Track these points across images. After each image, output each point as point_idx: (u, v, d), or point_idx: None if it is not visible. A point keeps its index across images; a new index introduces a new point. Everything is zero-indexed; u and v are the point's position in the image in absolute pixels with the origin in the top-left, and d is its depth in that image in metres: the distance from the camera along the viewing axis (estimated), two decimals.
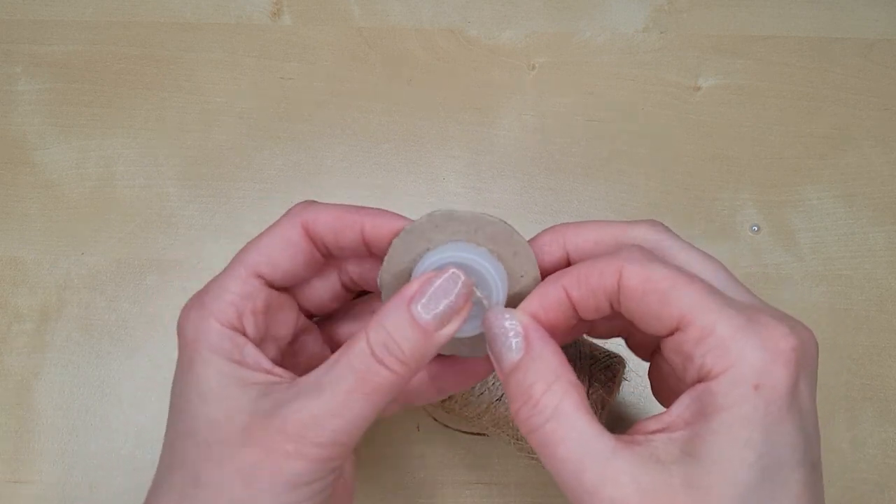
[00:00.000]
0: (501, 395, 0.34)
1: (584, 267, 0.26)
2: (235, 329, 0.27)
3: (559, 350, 0.26)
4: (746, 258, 0.44)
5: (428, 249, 0.27)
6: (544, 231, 0.29)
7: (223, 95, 0.46)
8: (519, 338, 0.25)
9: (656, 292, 0.24)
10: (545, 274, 0.28)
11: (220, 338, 0.27)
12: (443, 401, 0.36)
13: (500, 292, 0.27)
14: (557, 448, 0.23)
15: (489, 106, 0.46)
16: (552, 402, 0.24)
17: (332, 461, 0.25)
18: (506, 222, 0.27)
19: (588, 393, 0.33)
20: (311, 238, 0.29)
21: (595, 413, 0.33)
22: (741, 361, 0.22)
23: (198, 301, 0.28)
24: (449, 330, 0.26)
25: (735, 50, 0.48)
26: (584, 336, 0.37)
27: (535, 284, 0.27)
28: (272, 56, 0.47)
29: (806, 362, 0.23)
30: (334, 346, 0.33)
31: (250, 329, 0.27)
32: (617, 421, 0.41)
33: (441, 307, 0.25)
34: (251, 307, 0.27)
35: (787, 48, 0.48)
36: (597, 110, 0.47)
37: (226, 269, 0.28)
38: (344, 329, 0.33)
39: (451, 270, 0.26)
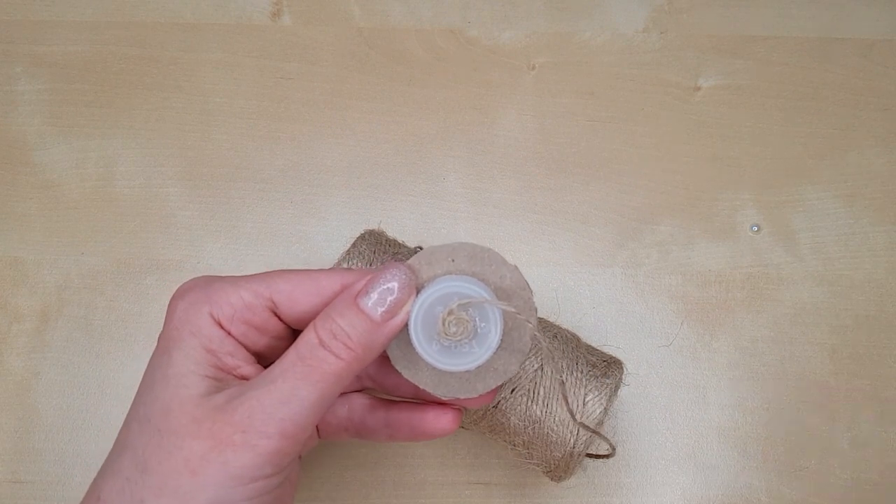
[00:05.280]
0: (498, 403, 0.34)
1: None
2: (223, 329, 0.27)
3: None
4: (746, 258, 0.44)
5: (462, 273, 0.28)
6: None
7: (223, 95, 0.46)
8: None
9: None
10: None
11: (204, 324, 0.27)
12: None
13: (497, 316, 0.27)
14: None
15: (489, 106, 0.46)
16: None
17: (280, 456, 0.25)
18: (469, 243, 0.28)
19: (585, 401, 0.34)
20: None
21: (594, 418, 0.33)
22: None
23: (203, 285, 0.28)
24: (397, 321, 0.27)
25: (735, 50, 0.48)
26: (581, 340, 0.37)
27: (517, 276, 0.28)
28: (272, 56, 0.47)
29: None
30: None
31: (237, 334, 0.28)
32: (617, 423, 0.41)
33: (387, 299, 0.26)
34: (248, 318, 0.28)
35: (787, 48, 0.48)
36: (597, 110, 0.46)
37: (250, 276, 0.29)
38: None
39: (395, 262, 0.27)
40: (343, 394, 0.32)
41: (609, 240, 0.44)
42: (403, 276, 0.27)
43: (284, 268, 0.30)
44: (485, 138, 0.46)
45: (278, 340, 0.29)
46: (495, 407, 0.34)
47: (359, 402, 0.32)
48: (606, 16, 0.48)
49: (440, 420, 0.31)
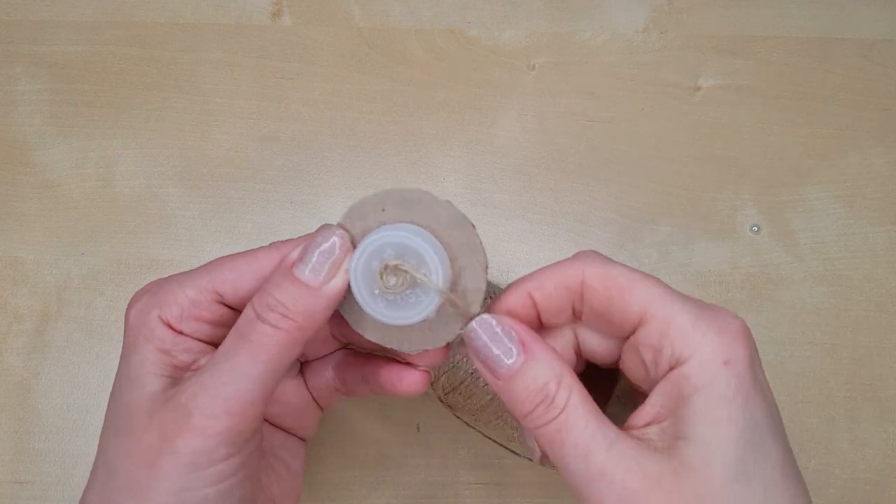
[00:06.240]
0: None
1: (547, 270, 0.27)
2: (173, 329, 0.27)
3: (550, 345, 0.26)
4: (746, 258, 0.44)
5: (394, 221, 0.27)
6: (507, 291, 0.28)
7: (223, 95, 0.46)
8: (514, 343, 0.26)
9: (617, 289, 0.26)
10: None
11: (155, 327, 0.27)
12: (447, 393, 0.36)
13: (434, 258, 0.26)
14: (568, 436, 0.25)
15: (489, 106, 0.46)
16: (563, 396, 0.25)
17: (232, 435, 0.25)
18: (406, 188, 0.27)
19: None
20: None
21: None
22: (706, 344, 0.24)
23: (151, 291, 0.28)
24: (336, 283, 0.26)
25: (735, 50, 0.48)
26: None
27: (453, 211, 0.27)
28: (272, 56, 0.47)
29: (754, 343, 0.25)
30: None
31: (191, 333, 0.28)
32: None
33: (322, 263, 0.26)
34: (197, 314, 0.28)
35: (787, 48, 0.48)
36: (597, 110, 0.47)
37: (193, 271, 0.28)
38: None
39: (326, 224, 0.26)
40: (325, 355, 0.33)
41: (609, 240, 0.44)
42: (335, 237, 0.26)
43: None
44: (485, 138, 0.46)
45: (229, 320, 0.29)
46: None
47: (338, 359, 0.32)
48: (606, 16, 0.48)
49: (403, 380, 0.30)
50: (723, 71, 0.47)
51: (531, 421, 0.25)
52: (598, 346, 0.29)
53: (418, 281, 0.26)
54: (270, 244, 0.29)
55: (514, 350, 0.25)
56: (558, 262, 0.27)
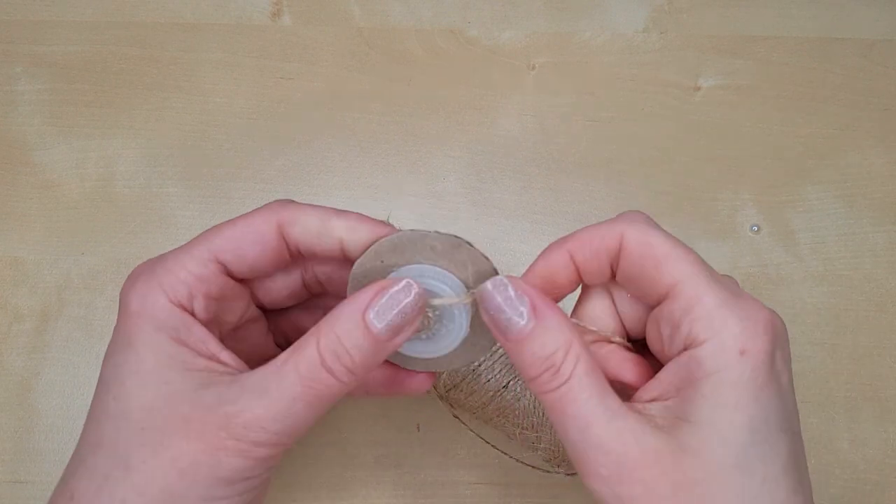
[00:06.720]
0: (507, 383, 0.34)
1: (588, 230, 0.27)
2: (184, 308, 0.26)
3: (564, 312, 0.26)
4: (746, 258, 0.44)
5: (398, 266, 0.27)
6: (546, 251, 0.28)
7: (223, 95, 0.46)
8: (526, 307, 0.25)
9: (653, 257, 0.26)
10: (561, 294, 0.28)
11: (166, 315, 0.26)
12: (448, 390, 0.36)
13: (446, 289, 0.27)
14: (568, 406, 0.24)
15: (489, 106, 0.46)
16: (569, 366, 0.25)
17: (271, 460, 0.26)
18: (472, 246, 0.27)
19: None
20: (285, 238, 0.28)
21: None
22: (726, 330, 0.24)
23: (148, 270, 0.27)
24: (400, 339, 0.26)
25: (735, 50, 0.48)
26: None
27: (443, 238, 0.27)
28: (272, 56, 0.47)
29: (781, 337, 0.25)
30: (279, 333, 0.32)
31: (199, 312, 0.27)
32: None
33: (394, 316, 0.25)
34: (204, 290, 0.27)
35: (787, 48, 0.48)
36: (597, 110, 0.46)
37: (186, 245, 0.27)
38: (292, 318, 0.32)
39: (406, 280, 0.26)
40: None
41: None
42: (415, 295, 0.26)
43: None
44: (485, 138, 0.46)
45: (239, 303, 0.29)
46: (505, 388, 0.34)
47: None
48: (606, 16, 0.48)
49: (412, 381, 0.31)
50: (723, 71, 0.47)
51: (536, 386, 0.25)
52: (628, 313, 0.28)
53: (442, 314, 0.27)
54: (264, 206, 0.28)
55: (526, 314, 0.25)
56: (600, 224, 0.27)
